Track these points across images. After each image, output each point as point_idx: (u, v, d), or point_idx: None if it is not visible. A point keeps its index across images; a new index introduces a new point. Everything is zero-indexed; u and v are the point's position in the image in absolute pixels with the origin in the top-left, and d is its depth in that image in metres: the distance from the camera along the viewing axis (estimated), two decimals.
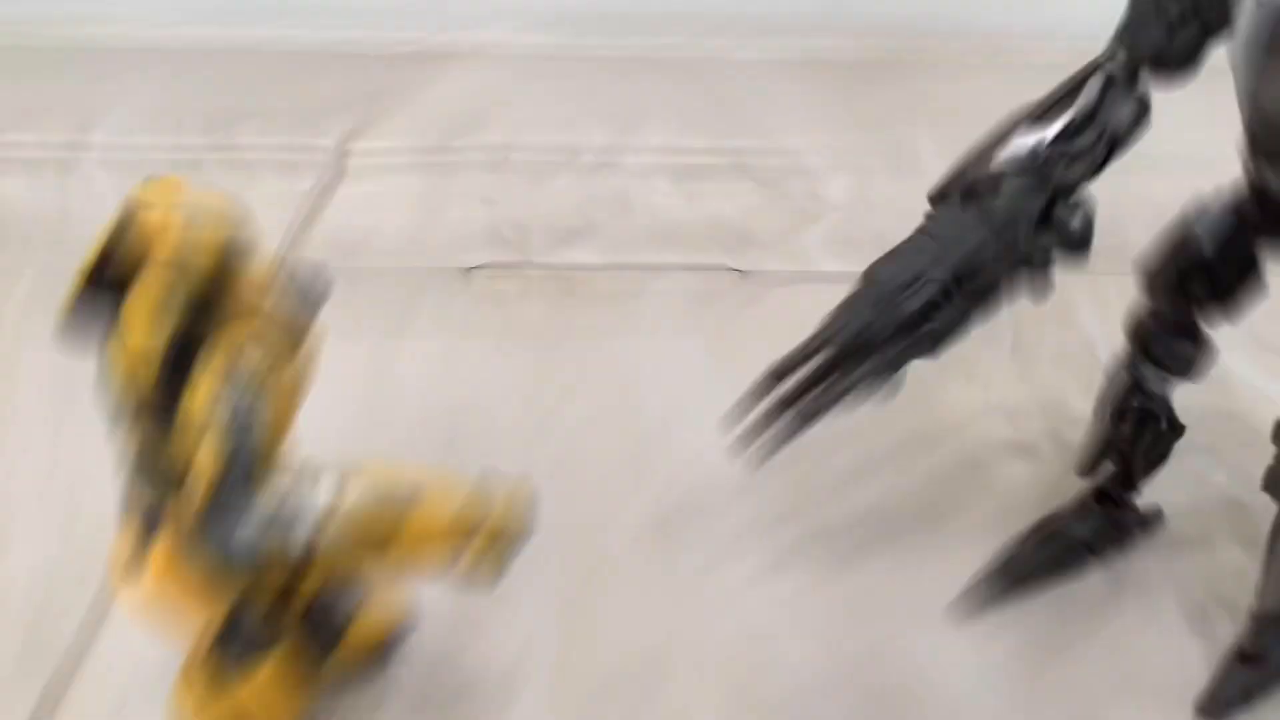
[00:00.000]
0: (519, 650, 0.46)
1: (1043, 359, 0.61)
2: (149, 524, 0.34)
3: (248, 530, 0.30)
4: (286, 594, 0.36)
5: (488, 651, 0.46)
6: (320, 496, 0.30)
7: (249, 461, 0.29)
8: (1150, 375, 0.47)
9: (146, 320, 0.30)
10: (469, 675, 0.45)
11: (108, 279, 0.31)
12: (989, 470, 0.55)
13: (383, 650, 0.43)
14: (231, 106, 0.84)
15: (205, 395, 0.30)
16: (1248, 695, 0.45)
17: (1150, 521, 0.52)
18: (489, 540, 0.32)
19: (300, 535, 0.30)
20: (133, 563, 0.34)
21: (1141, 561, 0.50)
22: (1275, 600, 0.44)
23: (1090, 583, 0.49)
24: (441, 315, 0.65)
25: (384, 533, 0.31)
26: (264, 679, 0.36)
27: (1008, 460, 0.55)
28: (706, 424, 0.51)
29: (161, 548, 0.33)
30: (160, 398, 0.31)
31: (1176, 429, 0.48)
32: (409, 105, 0.87)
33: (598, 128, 0.84)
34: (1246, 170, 0.41)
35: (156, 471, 0.33)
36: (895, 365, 0.42)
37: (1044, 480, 0.52)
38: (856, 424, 0.54)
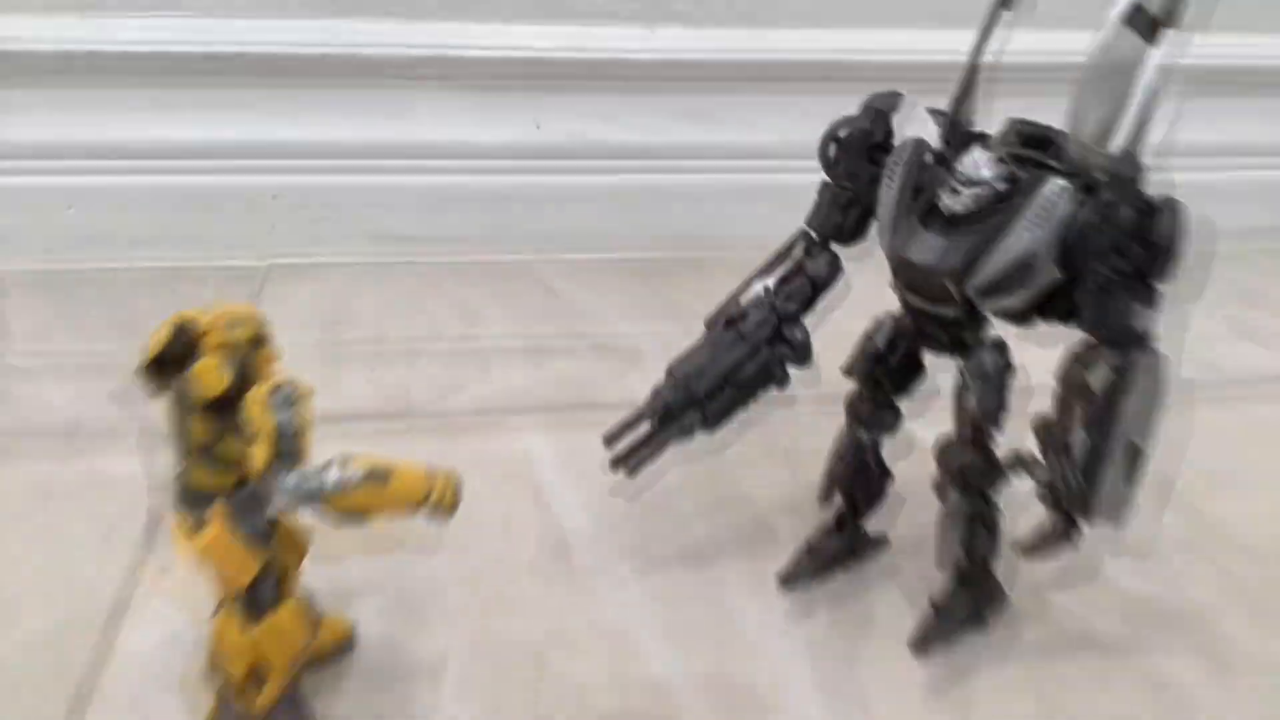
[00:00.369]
0: (444, 643, 0.62)
1: (805, 457, 0.82)
2: (203, 501, 0.50)
3: (291, 491, 0.46)
4: (286, 574, 0.53)
5: (420, 644, 0.62)
6: (333, 473, 0.47)
7: (290, 450, 0.47)
8: (861, 436, 0.67)
9: (212, 375, 0.48)
10: (406, 661, 0.60)
11: (167, 358, 0.49)
12: (770, 519, 0.75)
13: (341, 645, 0.59)
14: (126, 318, 1.00)
15: (257, 411, 0.47)
16: (941, 636, 0.63)
17: (879, 543, 0.71)
18: (439, 500, 0.50)
19: (318, 499, 0.47)
20: (192, 528, 0.49)
21: (874, 567, 0.71)
22: (948, 563, 0.63)
23: (839, 581, 0.69)
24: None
25: (373, 495, 0.48)
26: (278, 622, 0.51)
27: (783, 514, 0.75)
28: (575, 494, 0.73)
29: (218, 513, 0.49)
30: (220, 418, 0.48)
31: (886, 473, 0.68)
32: (280, 311, 1.04)
33: (450, 320, 1.04)
34: (898, 296, 0.61)
35: (217, 461, 0.50)
36: (689, 432, 0.63)
37: (809, 524, 0.72)
38: (680, 494, 0.74)
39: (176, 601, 0.63)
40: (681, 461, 0.80)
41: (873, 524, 0.70)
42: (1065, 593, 0.69)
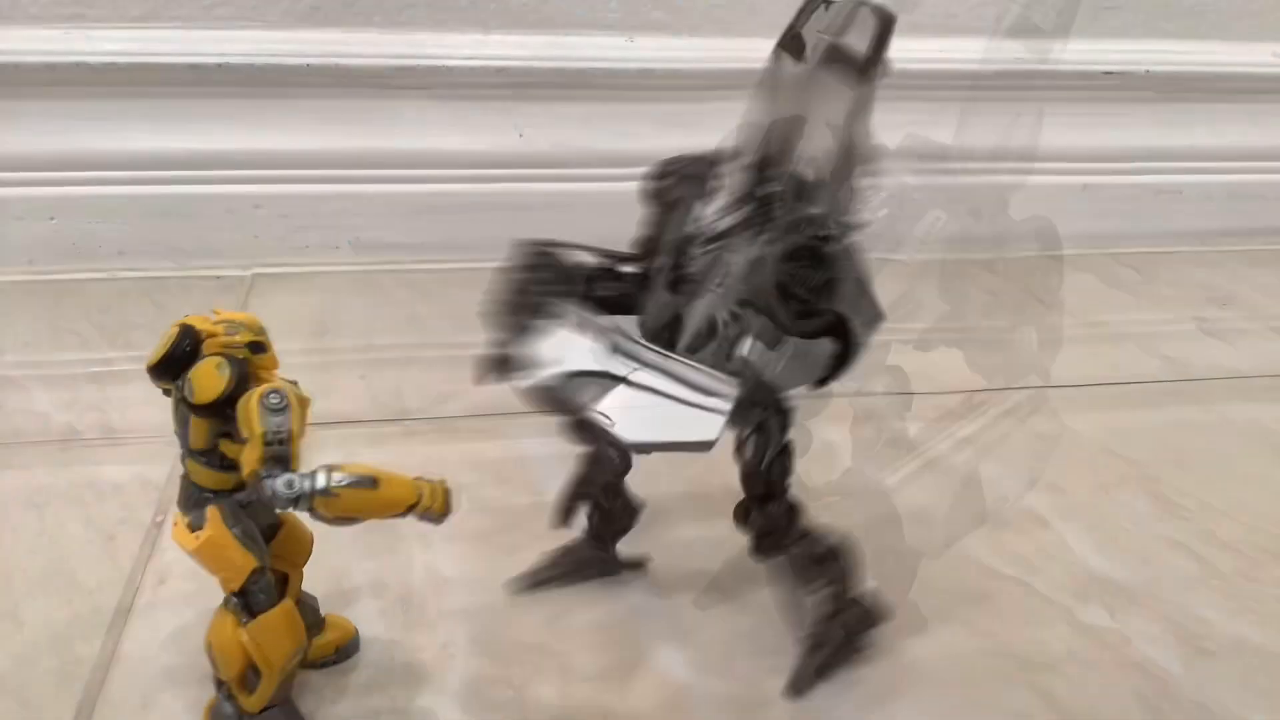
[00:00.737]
0: (446, 643, 0.63)
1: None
2: (203, 501, 0.51)
3: (279, 493, 0.47)
4: (289, 576, 0.54)
5: (422, 644, 0.63)
6: (320, 478, 0.48)
7: (279, 455, 0.48)
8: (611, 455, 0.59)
9: (211, 377, 0.49)
10: (408, 661, 0.61)
11: (174, 360, 0.50)
12: None
13: (345, 648, 0.61)
14: (113, 328, 1.01)
15: (248, 415, 0.48)
16: (816, 674, 0.60)
17: (638, 564, 0.69)
18: (428, 505, 0.51)
19: (307, 502, 0.48)
20: (191, 527, 0.50)
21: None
22: (809, 621, 0.60)
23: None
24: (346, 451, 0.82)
25: (361, 499, 0.49)
26: (270, 625, 0.51)
27: None
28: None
29: (212, 514, 0.50)
30: (220, 420, 0.49)
31: (634, 507, 0.66)
32: (265, 320, 1.04)
33: (440, 327, 1.05)
34: None
35: (217, 463, 0.51)
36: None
37: None
38: (673, 496, 0.75)
39: (179, 603, 0.64)
40: (675, 465, 0.82)
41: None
42: (1050, 584, 0.71)
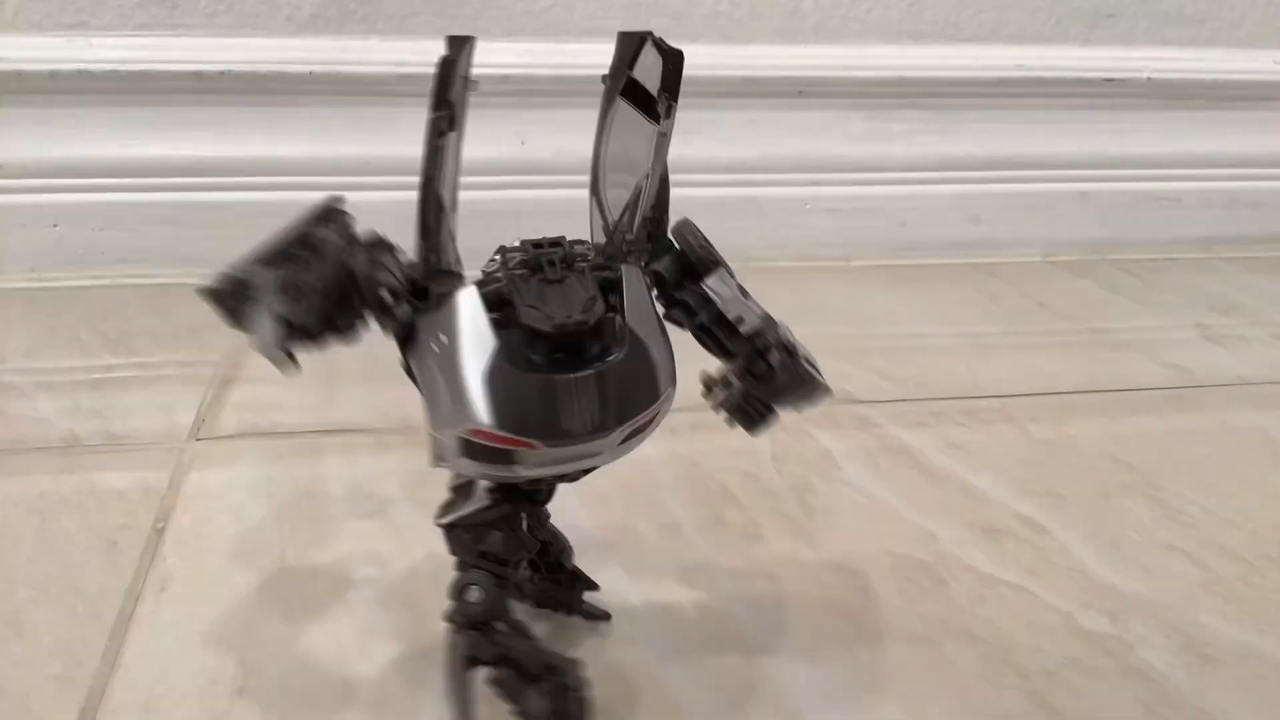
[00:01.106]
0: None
1: (789, 461, 0.84)
2: None
3: None
4: None
5: (423, 645, 0.63)
6: None
7: None
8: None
9: None
10: (409, 665, 0.61)
11: None
12: (754, 514, 0.76)
13: None
14: (116, 335, 1.00)
15: None
16: None
17: (600, 615, 0.65)
18: None
19: None
20: None
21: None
22: None
23: None
24: (349, 459, 0.83)
25: None
26: None
27: (769, 516, 0.77)
28: (571, 499, 0.72)
29: None
30: None
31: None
32: None
33: None
34: None
35: None
36: None
37: (796, 529, 0.73)
38: (673, 498, 0.75)
39: (181, 610, 0.64)
40: (673, 465, 0.82)
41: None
42: (1050, 590, 0.71)
